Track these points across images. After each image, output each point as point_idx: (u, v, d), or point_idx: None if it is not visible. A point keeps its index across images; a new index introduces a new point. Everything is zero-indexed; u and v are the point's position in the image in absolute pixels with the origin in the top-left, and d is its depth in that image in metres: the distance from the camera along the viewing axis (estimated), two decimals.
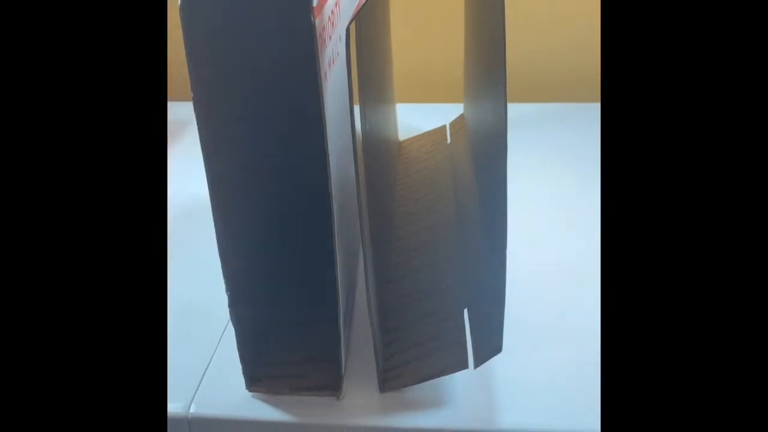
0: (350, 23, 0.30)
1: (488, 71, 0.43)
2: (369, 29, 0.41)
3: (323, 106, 0.32)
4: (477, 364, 0.37)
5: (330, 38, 0.35)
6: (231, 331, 0.37)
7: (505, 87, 0.32)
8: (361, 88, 0.35)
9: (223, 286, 0.35)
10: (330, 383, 0.38)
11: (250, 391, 0.38)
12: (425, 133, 0.70)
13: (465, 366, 0.37)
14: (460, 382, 0.38)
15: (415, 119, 0.73)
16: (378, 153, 0.46)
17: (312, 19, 0.29)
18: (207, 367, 0.41)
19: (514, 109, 0.74)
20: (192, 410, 0.38)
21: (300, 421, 0.37)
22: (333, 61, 0.36)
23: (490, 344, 0.36)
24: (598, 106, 0.75)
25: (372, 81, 0.42)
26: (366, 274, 0.34)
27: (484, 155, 0.43)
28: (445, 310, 0.42)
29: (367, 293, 0.35)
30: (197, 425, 0.38)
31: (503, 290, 0.34)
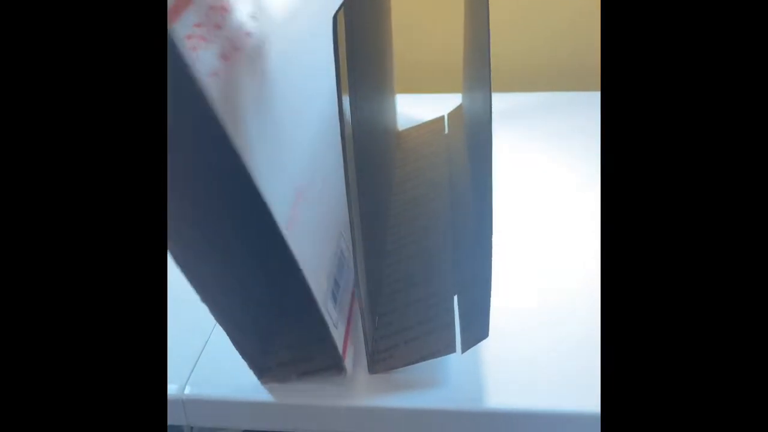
0: (338, 12, 0.31)
1: (477, 61, 0.43)
2: (361, 17, 0.41)
3: (215, 107, 0.26)
4: (464, 349, 0.37)
5: (218, 29, 0.29)
6: None
7: (490, 76, 0.33)
8: (351, 78, 0.36)
9: None
10: (333, 364, 0.39)
11: (262, 382, 0.39)
12: (424, 123, 0.71)
13: (453, 350, 0.38)
14: (454, 363, 0.39)
15: (415, 109, 0.74)
16: (373, 142, 0.47)
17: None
18: (202, 349, 0.42)
19: (514, 99, 0.76)
20: (187, 392, 0.39)
21: (300, 402, 0.38)
22: (236, 54, 0.30)
23: (477, 330, 0.37)
24: (595, 94, 0.76)
25: (365, 70, 0.42)
26: (355, 260, 0.35)
27: (474, 144, 0.44)
28: (435, 296, 0.43)
29: (355, 277, 0.35)
30: (192, 406, 0.39)
31: (489, 278, 0.35)
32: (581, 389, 0.37)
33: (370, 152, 0.44)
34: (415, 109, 0.74)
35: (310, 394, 0.38)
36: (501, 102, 0.75)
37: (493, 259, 0.35)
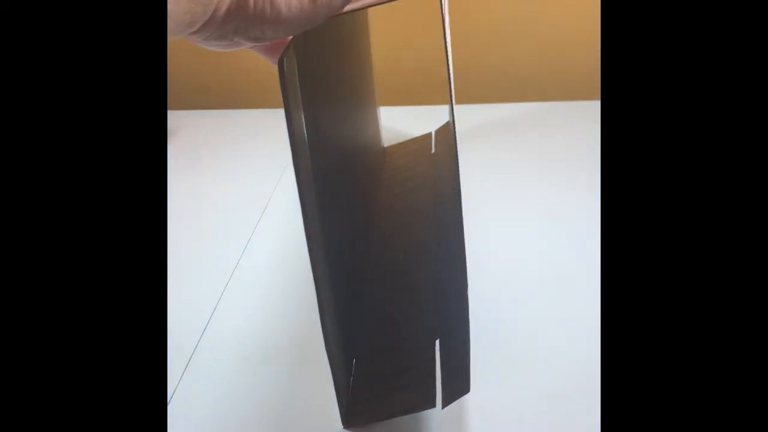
0: (283, 55, 0.27)
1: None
2: (319, 44, 0.38)
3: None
4: (445, 404, 0.34)
5: None
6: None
7: (451, 88, 0.32)
8: (305, 94, 0.32)
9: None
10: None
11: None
12: (411, 140, 0.67)
13: (433, 404, 0.34)
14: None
15: (403, 122, 0.71)
16: (345, 159, 0.44)
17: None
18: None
19: (505, 109, 0.73)
20: None
21: None
22: None
23: (458, 384, 0.34)
24: (594, 103, 0.73)
25: (325, 86, 0.39)
26: (319, 298, 0.32)
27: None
28: (417, 339, 0.39)
29: (321, 320, 0.32)
30: None
31: (467, 327, 0.32)
32: None
33: (339, 169, 0.41)
34: (405, 122, 0.71)
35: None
36: (491, 112, 0.72)
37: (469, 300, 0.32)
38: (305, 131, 0.31)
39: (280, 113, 0.28)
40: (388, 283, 0.46)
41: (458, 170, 0.33)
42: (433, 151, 0.63)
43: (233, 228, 0.56)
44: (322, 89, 0.38)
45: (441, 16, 0.39)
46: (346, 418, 0.36)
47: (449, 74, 0.32)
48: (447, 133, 0.63)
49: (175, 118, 0.80)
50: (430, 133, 0.67)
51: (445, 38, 0.35)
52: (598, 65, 0.76)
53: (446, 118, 0.68)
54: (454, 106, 0.31)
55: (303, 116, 0.31)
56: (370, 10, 0.67)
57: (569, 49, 0.79)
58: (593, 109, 0.73)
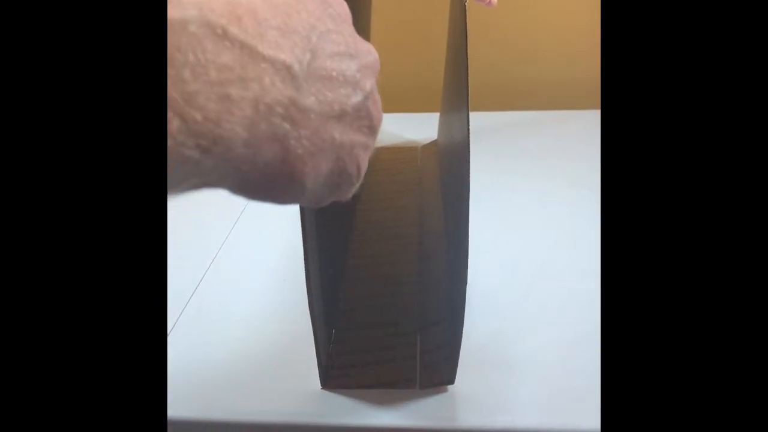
0: None
1: (456, 81, 0.44)
2: None
3: None
4: (423, 386, 0.38)
5: None
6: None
7: (468, 97, 0.34)
8: None
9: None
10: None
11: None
12: (395, 146, 0.71)
13: (414, 385, 0.38)
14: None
15: (390, 129, 0.74)
16: None
17: None
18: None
19: (508, 117, 0.78)
20: None
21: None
22: None
23: (442, 373, 0.38)
24: (595, 113, 0.78)
25: None
26: (306, 261, 0.34)
27: (449, 170, 0.44)
28: (397, 325, 0.43)
29: (307, 281, 0.35)
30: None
31: (461, 325, 0.35)
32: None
33: None
34: (389, 128, 0.74)
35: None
36: (485, 120, 0.76)
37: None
38: None
39: None
40: (369, 270, 0.49)
41: (467, 172, 0.35)
42: (418, 163, 0.67)
43: (216, 218, 0.58)
44: None
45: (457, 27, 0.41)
46: (324, 380, 0.38)
47: (466, 86, 0.34)
48: (434, 151, 0.68)
49: None
50: (416, 148, 0.71)
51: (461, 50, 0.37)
52: (598, 76, 0.80)
53: (432, 132, 0.72)
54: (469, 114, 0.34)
55: None
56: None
57: (570, 60, 0.84)
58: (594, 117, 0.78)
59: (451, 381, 0.37)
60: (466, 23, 0.35)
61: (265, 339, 0.43)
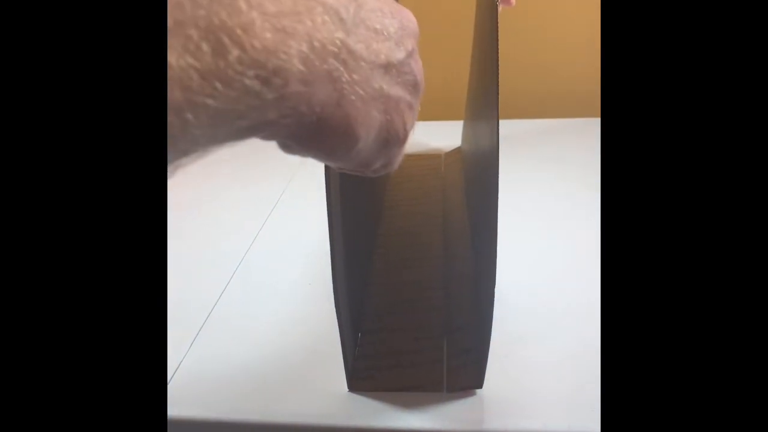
0: None
1: (484, 90, 0.43)
2: None
3: None
4: (450, 389, 0.38)
5: None
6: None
7: (497, 106, 0.34)
8: None
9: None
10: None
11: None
12: (420, 154, 0.71)
13: (440, 388, 0.38)
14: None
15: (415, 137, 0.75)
16: None
17: None
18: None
19: (518, 125, 0.78)
20: None
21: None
22: None
23: (470, 377, 0.37)
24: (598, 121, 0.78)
25: None
26: (333, 264, 0.35)
27: (475, 179, 0.44)
28: (424, 330, 0.43)
29: (334, 283, 0.35)
30: None
31: (489, 329, 0.35)
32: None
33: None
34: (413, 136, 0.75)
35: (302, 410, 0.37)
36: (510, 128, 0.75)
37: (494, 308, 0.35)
38: None
39: None
40: (395, 274, 0.49)
41: (488, 188, 0.35)
42: (442, 170, 0.67)
43: (245, 221, 0.59)
44: None
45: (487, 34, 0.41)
46: (351, 382, 0.38)
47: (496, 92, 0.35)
48: (458, 159, 0.68)
49: None
50: (440, 155, 0.71)
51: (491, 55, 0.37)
52: (598, 85, 0.80)
53: (455, 139, 0.72)
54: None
55: None
56: None
57: (570, 68, 0.84)
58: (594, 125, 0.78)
59: (479, 385, 0.37)
60: (497, 27, 0.35)
61: (292, 342, 0.43)
